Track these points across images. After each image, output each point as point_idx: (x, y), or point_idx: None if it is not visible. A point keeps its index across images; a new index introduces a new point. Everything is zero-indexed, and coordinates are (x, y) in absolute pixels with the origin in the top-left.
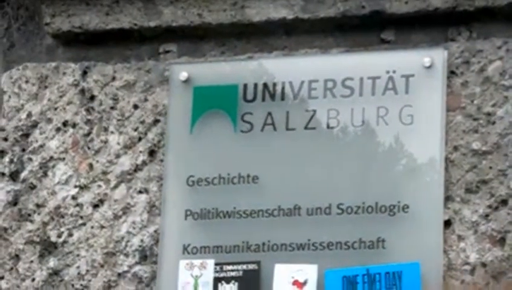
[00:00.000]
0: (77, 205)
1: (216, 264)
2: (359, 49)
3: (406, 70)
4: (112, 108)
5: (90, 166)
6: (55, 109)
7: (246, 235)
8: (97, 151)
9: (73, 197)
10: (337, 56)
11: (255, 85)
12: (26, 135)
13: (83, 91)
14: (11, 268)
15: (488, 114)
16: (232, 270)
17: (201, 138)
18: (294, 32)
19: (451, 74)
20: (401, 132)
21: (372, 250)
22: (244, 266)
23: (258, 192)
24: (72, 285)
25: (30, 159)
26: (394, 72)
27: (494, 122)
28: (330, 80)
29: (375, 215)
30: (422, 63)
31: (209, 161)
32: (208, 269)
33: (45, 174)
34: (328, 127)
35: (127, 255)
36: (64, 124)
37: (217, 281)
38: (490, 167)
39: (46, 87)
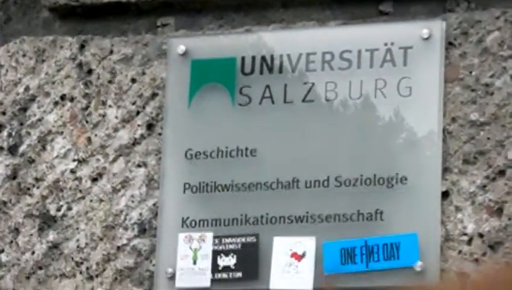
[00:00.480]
0: (76, 178)
1: (215, 237)
2: (357, 22)
3: (404, 42)
4: (110, 82)
5: (89, 140)
6: (53, 82)
7: (244, 208)
8: (95, 125)
9: (72, 171)
10: (334, 29)
11: (253, 58)
12: (24, 109)
13: (80, 65)
14: (11, 241)
15: (486, 85)
16: (231, 243)
17: (199, 111)
18: (291, 5)
19: (450, 45)
20: (399, 104)
21: (370, 222)
22: (243, 239)
23: (256, 165)
24: (72, 258)
25: (28, 133)
26: (392, 44)
27: (492, 93)
28: (328, 53)
29: (373, 187)
30: (421, 35)
31: (207, 134)
32: (206, 242)
33: (44, 148)
34: (326, 99)
35: (126, 228)
36: (62, 97)
37: (215, 253)
38: (488, 138)
39: (43, 61)
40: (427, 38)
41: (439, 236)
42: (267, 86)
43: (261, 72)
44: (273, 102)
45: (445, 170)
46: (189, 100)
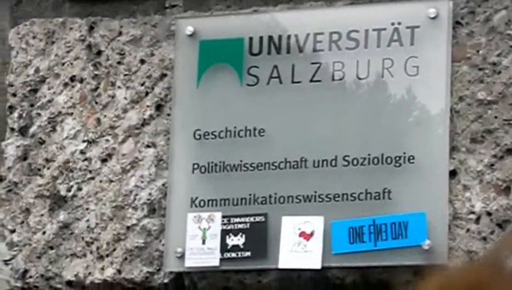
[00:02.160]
0: (86, 159)
1: (223, 216)
2: (364, 1)
3: (411, 22)
4: (119, 63)
5: (98, 121)
6: (63, 64)
7: (252, 188)
8: (105, 106)
9: (82, 152)
10: (342, 8)
11: (261, 38)
12: (35, 90)
13: (89, 46)
14: (22, 222)
15: (494, 64)
16: (240, 223)
17: (208, 92)
18: None
19: (457, 24)
20: (406, 83)
21: (378, 201)
22: (252, 219)
23: (265, 145)
24: (82, 238)
25: (39, 114)
26: (399, 23)
27: (499, 72)
28: (335, 33)
29: (381, 166)
30: (428, 14)
31: (216, 115)
32: (215, 221)
33: (54, 129)
34: (333, 79)
35: (135, 208)
36: (72, 79)
37: (224, 233)
38: (495, 117)
39: (53, 42)
40: (434, 18)
41: (447, 215)
42: (275, 66)
43: (269, 53)
44: (281, 82)
45: (453, 149)
46: (197, 81)
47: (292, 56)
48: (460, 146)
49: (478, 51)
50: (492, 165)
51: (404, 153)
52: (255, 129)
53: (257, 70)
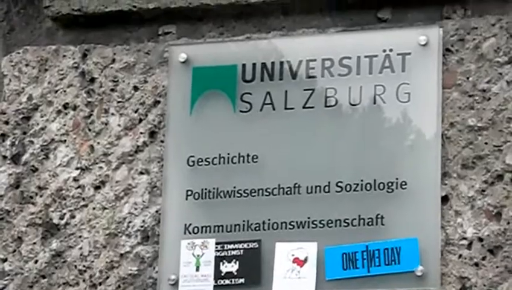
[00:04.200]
0: (79, 186)
1: (217, 243)
2: (356, 29)
3: (402, 49)
4: (112, 90)
5: (91, 148)
6: (56, 91)
7: (246, 214)
8: (98, 133)
9: (75, 179)
10: (334, 35)
11: (254, 65)
12: (27, 118)
13: (83, 73)
14: (14, 250)
15: (483, 90)
16: (233, 249)
17: (201, 119)
18: (291, 12)
19: (447, 51)
20: (398, 109)
21: (371, 227)
22: (245, 245)
23: (258, 171)
24: (75, 266)
25: (31, 142)
26: (391, 50)
27: (489, 99)
28: (328, 59)
29: (374, 192)
30: (418, 41)
31: (209, 141)
32: (209, 248)
33: (46, 157)
34: (326, 105)
35: (129, 235)
36: (65, 106)
37: (218, 260)
38: (486, 143)
39: (46, 70)
40: (424, 45)
41: (440, 240)
42: (268, 93)
43: (262, 79)
44: (274, 108)
45: (445, 174)
46: (190, 107)
47: (285, 82)
48: (452, 172)
49: (468, 78)
50: (483, 190)
51: (397, 178)
52: (248, 155)
53: (250, 96)
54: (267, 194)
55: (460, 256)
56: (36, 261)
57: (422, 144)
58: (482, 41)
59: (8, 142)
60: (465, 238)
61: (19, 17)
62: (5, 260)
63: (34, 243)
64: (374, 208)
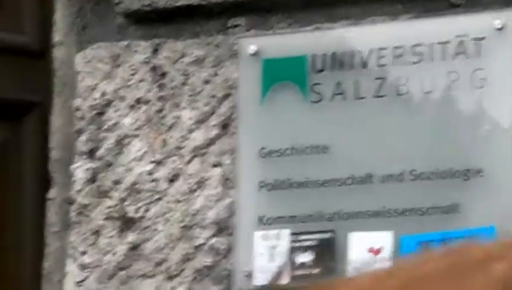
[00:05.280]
0: (153, 180)
1: (291, 234)
2: (428, 15)
3: (476, 34)
4: (183, 84)
5: (164, 142)
6: (128, 86)
7: (319, 205)
8: (170, 127)
9: (149, 173)
10: (405, 22)
11: (323, 55)
12: (101, 114)
13: (154, 68)
14: (93, 243)
15: None
16: (307, 240)
17: (272, 110)
18: (360, 0)
19: None
20: (473, 96)
21: (447, 215)
22: (319, 235)
23: (330, 161)
24: (152, 258)
25: (106, 137)
26: (464, 36)
27: None
28: (399, 47)
29: (449, 180)
30: (493, 26)
31: (281, 132)
32: (283, 239)
33: (121, 151)
34: (398, 94)
35: (203, 228)
36: (137, 101)
37: (292, 250)
38: None
39: (118, 65)
40: (500, 29)
41: None
42: (338, 83)
43: (332, 69)
44: (344, 98)
45: None
46: (261, 99)
47: (355, 72)
48: None
49: None
50: None
51: (473, 166)
52: (320, 146)
53: (320, 87)
54: (340, 184)
55: None
56: (114, 254)
57: (498, 130)
58: None
59: (83, 137)
60: None
61: (92, 14)
62: (84, 253)
63: (111, 237)
64: (449, 196)
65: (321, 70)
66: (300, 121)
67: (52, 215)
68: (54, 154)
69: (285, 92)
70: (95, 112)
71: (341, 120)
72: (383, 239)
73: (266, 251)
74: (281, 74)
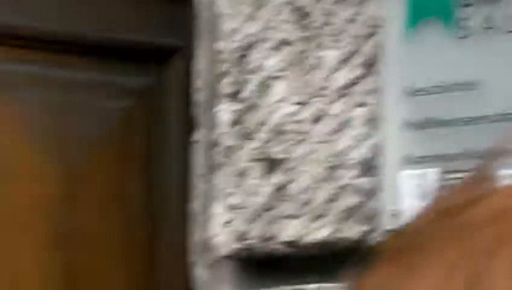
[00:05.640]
0: (297, 121)
1: (438, 173)
2: None
3: None
4: (326, 24)
5: (307, 83)
6: (271, 28)
7: (468, 143)
8: (313, 68)
9: (292, 114)
10: None
11: None
12: (244, 56)
13: (297, 9)
14: (239, 185)
15: None
16: (455, 179)
17: (418, 48)
18: None
19: None
20: None
21: None
22: (467, 175)
23: (479, 98)
24: (297, 199)
25: (249, 79)
26: None
27: None
28: None
29: None
30: None
31: (426, 70)
32: (429, 178)
33: (264, 93)
34: None
35: (348, 168)
36: (280, 42)
37: (439, 190)
38: None
39: (260, 7)
40: None
41: None
42: (488, 16)
43: (481, 3)
44: (495, 32)
45: None
46: (406, 37)
47: (506, 5)
48: None
49: None
50: None
51: None
52: (468, 82)
53: (468, 21)
54: (489, 121)
55: None
56: (259, 195)
57: None
58: None
59: (227, 80)
60: None
61: None
62: (230, 195)
63: (256, 178)
64: None
65: (470, 5)
66: (447, 58)
67: (198, 157)
68: (198, 97)
69: (431, 29)
70: (238, 54)
71: (491, 55)
72: None
73: (413, 190)
74: (427, 10)
